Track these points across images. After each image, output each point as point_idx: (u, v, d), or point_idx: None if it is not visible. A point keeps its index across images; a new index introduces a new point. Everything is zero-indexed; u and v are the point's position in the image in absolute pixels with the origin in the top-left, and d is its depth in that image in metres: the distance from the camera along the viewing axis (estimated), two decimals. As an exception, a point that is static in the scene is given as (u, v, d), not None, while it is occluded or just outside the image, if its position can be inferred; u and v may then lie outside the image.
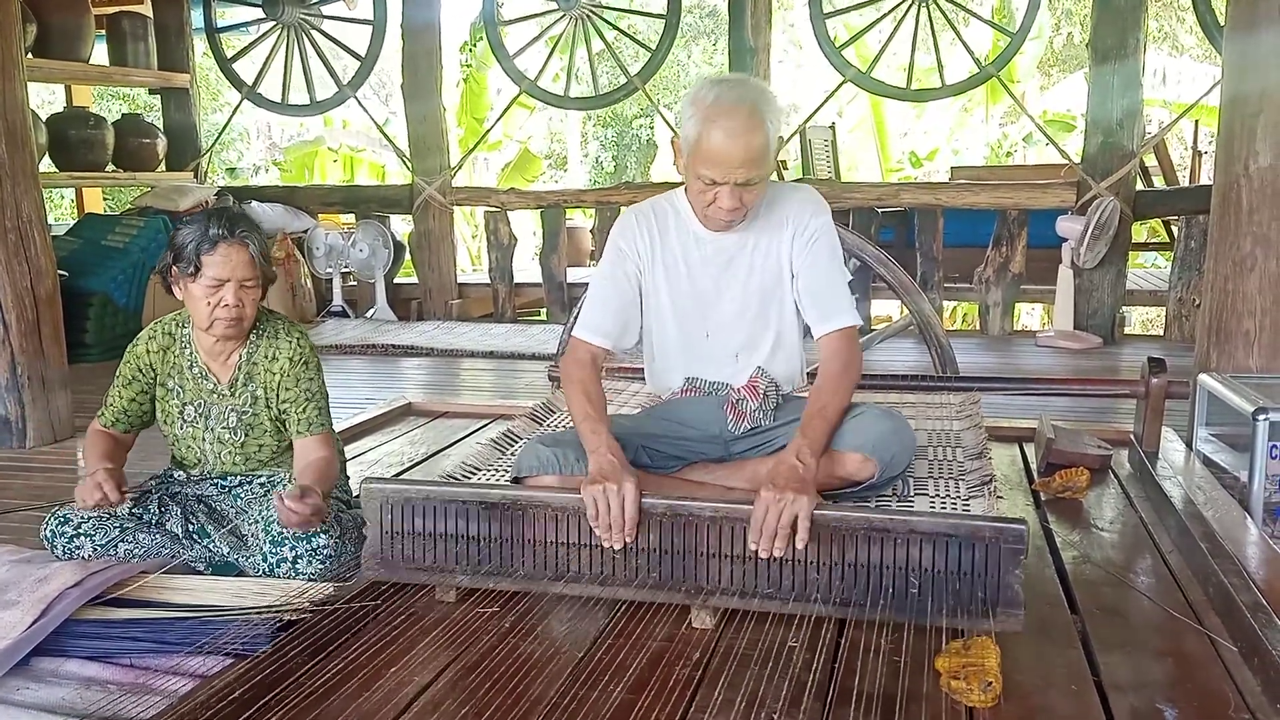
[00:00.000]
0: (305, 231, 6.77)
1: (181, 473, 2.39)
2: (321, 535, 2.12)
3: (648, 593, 1.87)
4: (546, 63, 6.68)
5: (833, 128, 7.89)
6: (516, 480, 2.27)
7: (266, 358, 2.28)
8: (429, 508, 1.96)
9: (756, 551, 1.81)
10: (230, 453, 2.32)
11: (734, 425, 2.32)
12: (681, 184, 2.32)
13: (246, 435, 2.31)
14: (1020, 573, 1.71)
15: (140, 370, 2.34)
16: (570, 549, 1.91)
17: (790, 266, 2.28)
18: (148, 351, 2.33)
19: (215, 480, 2.35)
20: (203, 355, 2.30)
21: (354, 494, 2.41)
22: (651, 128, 15.67)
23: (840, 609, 1.79)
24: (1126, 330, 5.87)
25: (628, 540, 1.86)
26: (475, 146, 7.94)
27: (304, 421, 2.26)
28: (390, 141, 7.17)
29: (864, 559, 1.78)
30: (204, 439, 2.32)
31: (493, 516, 1.93)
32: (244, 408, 2.29)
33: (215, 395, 2.30)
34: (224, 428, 2.30)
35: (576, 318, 3.63)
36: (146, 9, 7.06)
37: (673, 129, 8.61)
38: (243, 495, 2.33)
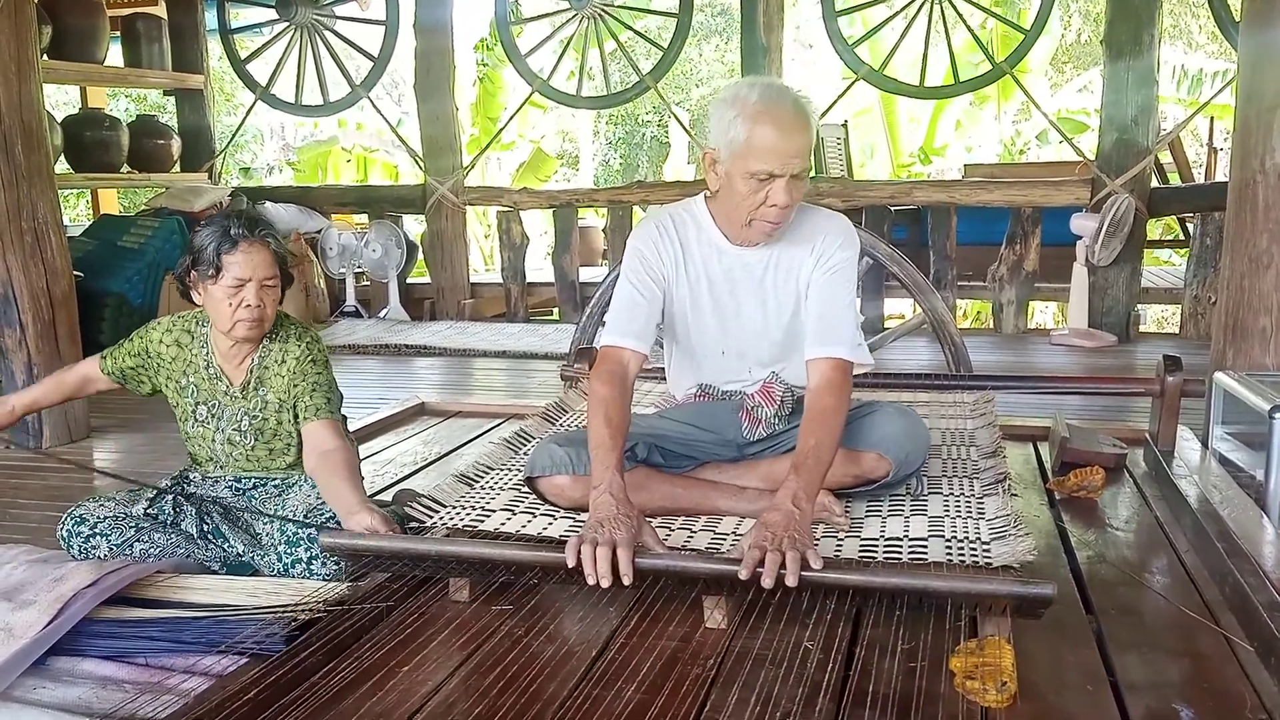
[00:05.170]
0: (319, 232, 6.80)
1: (197, 474, 2.40)
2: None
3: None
4: (559, 62, 6.69)
5: (845, 126, 7.85)
6: (530, 480, 2.27)
7: (277, 361, 2.31)
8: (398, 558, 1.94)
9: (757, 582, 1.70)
10: (242, 453, 2.34)
11: (749, 431, 2.31)
12: (697, 194, 2.31)
13: (256, 439, 2.32)
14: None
15: (147, 354, 2.37)
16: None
17: (806, 289, 2.23)
18: (161, 342, 2.36)
19: (230, 483, 2.36)
20: (218, 356, 2.33)
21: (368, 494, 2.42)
22: (663, 126, 15.63)
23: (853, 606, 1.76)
24: (1141, 328, 5.83)
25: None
26: (487, 146, 7.95)
27: (311, 407, 2.28)
28: (403, 141, 7.18)
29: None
30: (215, 439, 2.34)
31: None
32: (254, 411, 2.31)
33: (228, 397, 2.32)
34: (235, 430, 2.32)
35: (585, 320, 3.67)
36: (161, 10, 7.09)
37: (689, 133, 8.56)
38: (257, 497, 2.34)
